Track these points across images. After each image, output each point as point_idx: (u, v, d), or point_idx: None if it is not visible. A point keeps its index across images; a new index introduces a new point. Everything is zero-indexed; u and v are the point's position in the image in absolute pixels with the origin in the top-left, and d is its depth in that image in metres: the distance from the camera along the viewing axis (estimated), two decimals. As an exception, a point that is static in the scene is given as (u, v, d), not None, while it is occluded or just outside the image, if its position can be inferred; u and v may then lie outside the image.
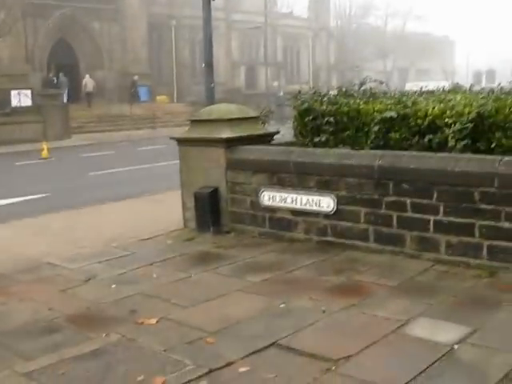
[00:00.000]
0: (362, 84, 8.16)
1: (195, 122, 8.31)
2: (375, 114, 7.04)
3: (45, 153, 22.10)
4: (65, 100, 34.63)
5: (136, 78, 40.45)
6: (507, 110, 6.17)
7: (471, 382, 3.79)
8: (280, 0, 62.79)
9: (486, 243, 5.83)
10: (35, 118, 29.47)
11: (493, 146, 6.16)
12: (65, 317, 5.11)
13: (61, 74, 37.28)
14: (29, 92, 30.83)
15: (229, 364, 4.08)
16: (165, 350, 4.33)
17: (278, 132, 8.44)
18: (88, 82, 38.31)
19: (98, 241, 7.83)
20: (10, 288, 6.02)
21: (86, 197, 12.45)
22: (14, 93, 30.17)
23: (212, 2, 17.14)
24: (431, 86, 9.30)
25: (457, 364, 3.98)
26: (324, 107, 7.58)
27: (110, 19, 41.77)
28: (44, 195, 13.41)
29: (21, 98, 30.37)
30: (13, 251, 7.53)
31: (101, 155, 22.97)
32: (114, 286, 5.94)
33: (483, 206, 5.78)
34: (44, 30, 38.76)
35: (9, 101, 30.00)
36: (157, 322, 4.90)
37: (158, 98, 42.35)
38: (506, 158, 5.74)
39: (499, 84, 7.89)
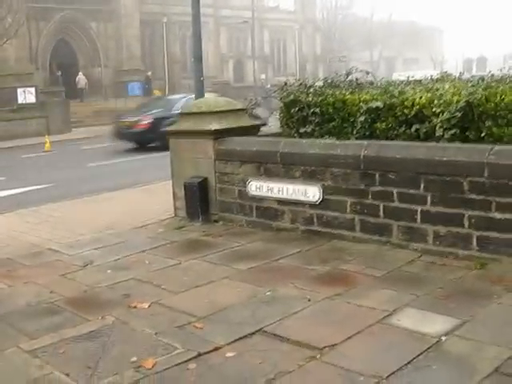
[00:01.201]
0: (347, 74, 7.98)
1: (185, 115, 8.20)
2: (361, 104, 6.82)
3: (47, 146, 22.78)
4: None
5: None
6: (498, 98, 5.80)
7: (459, 376, 3.55)
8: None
9: (475, 234, 5.48)
10: (39, 114, 30.38)
11: (483, 135, 5.83)
12: (64, 299, 5.21)
13: (59, 72, 38.34)
14: (33, 89, 31.78)
15: (216, 349, 4.02)
16: (156, 334, 4.32)
17: (264, 123, 8.32)
18: (80, 79, 39.25)
19: (95, 229, 7.90)
20: (15, 272, 6.19)
21: (85, 187, 12.51)
22: (19, 90, 31.33)
23: (201, -1, 16.94)
24: (418, 75, 9.05)
25: (444, 356, 3.74)
26: (310, 98, 7.40)
27: (106, 19, 42.60)
28: (48, 185, 13.52)
29: (26, 96, 31.39)
30: (18, 238, 7.69)
31: (99, 147, 22.94)
32: (109, 271, 6.00)
33: (473, 196, 5.43)
34: (46, 31, 39.73)
35: (15, 98, 31.01)
36: (149, 306, 4.90)
37: (150, 92, 42.51)
38: (497, 148, 5.38)
39: (490, 71, 7.49)
